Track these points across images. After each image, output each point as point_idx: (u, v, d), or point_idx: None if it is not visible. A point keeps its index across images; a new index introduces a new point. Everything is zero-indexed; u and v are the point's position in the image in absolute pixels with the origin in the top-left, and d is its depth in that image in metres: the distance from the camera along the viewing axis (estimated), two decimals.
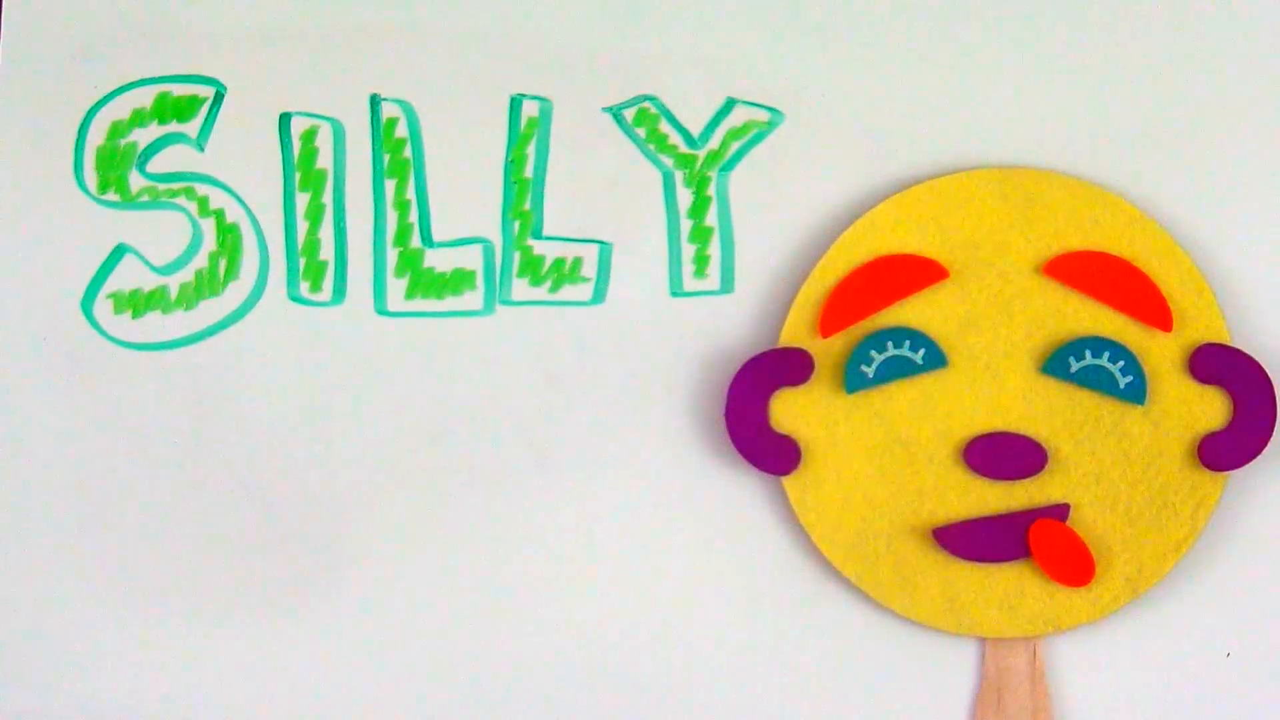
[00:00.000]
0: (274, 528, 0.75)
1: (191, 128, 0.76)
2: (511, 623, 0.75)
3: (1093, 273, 0.73)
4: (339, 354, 0.76)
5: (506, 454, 0.75)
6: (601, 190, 0.75)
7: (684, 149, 0.75)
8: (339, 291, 0.76)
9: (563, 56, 0.76)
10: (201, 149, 0.76)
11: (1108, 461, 0.73)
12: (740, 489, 0.74)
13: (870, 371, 0.73)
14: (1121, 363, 0.73)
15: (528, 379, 0.75)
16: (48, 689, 0.75)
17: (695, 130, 0.76)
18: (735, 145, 0.75)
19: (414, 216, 0.76)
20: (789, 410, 0.73)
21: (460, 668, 0.75)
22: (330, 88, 0.76)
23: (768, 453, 0.73)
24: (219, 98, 0.76)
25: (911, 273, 0.73)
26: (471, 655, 0.75)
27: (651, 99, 0.76)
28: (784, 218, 0.75)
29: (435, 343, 0.75)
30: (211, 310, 0.76)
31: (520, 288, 0.75)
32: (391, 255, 0.76)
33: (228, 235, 0.76)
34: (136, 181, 0.76)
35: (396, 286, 0.76)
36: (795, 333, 0.74)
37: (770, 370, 0.73)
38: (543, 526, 0.75)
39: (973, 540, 0.73)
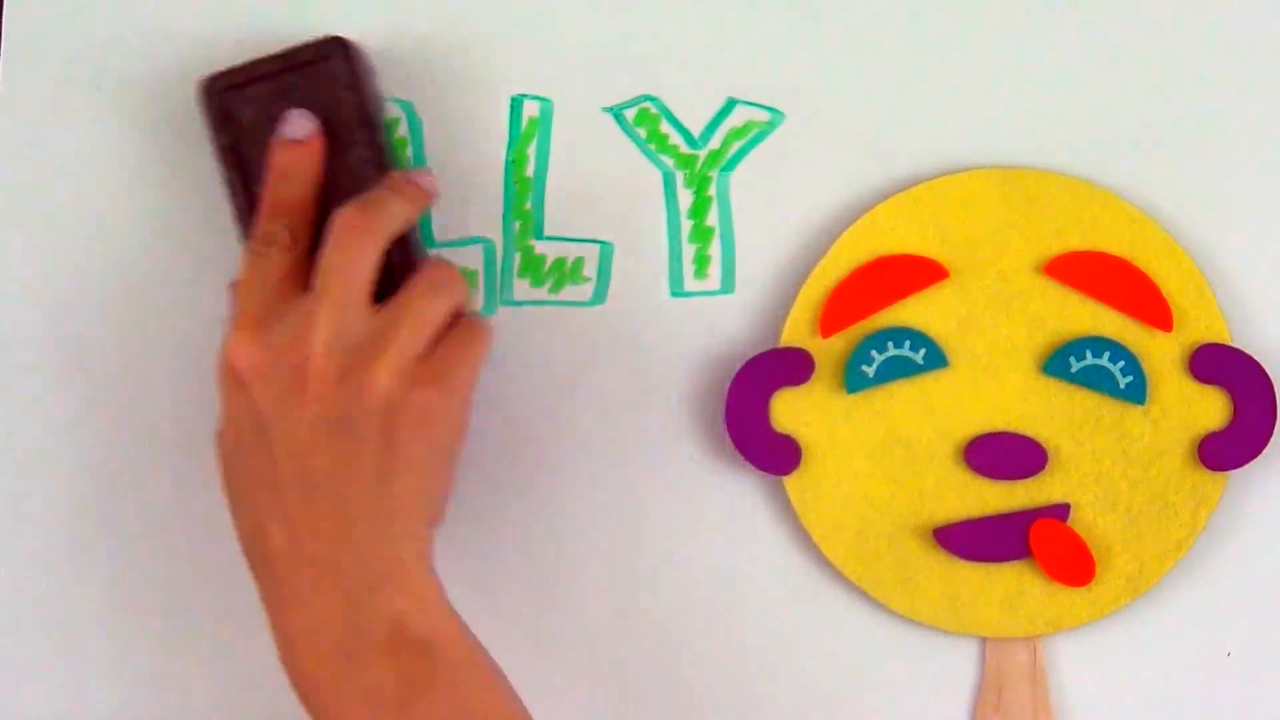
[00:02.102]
0: None
1: None
2: (510, 622, 0.75)
3: (1093, 273, 0.73)
4: None
5: (506, 453, 0.75)
6: (602, 190, 0.75)
7: (684, 149, 0.75)
8: None
9: (563, 56, 0.76)
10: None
11: (1108, 461, 0.73)
12: (740, 489, 0.74)
13: (871, 371, 0.73)
14: (1122, 363, 0.73)
15: (528, 379, 0.75)
16: (47, 689, 0.75)
17: (695, 130, 0.76)
18: (736, 145, 0.75)
19: None
20: (789, 410, 0.73)
21: None
22: None
23: (768, 453, 0.73)
24: None
25: (911, 273, 0.73)
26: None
27: (651, 99, 0.76)
28: (784, 218, 0.75)
29: None
30: None
31: (521, 288, 0.75)
32: None
33: None
34: None
35: None
36: (795, 333, 0.74)
37: (770, 370, 0.73)
38: (542, 526, 0.75)
39: (973, 540, 0.73)
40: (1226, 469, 0.72)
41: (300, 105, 0.70)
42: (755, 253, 0.75)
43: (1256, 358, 0.73)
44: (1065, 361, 0.73)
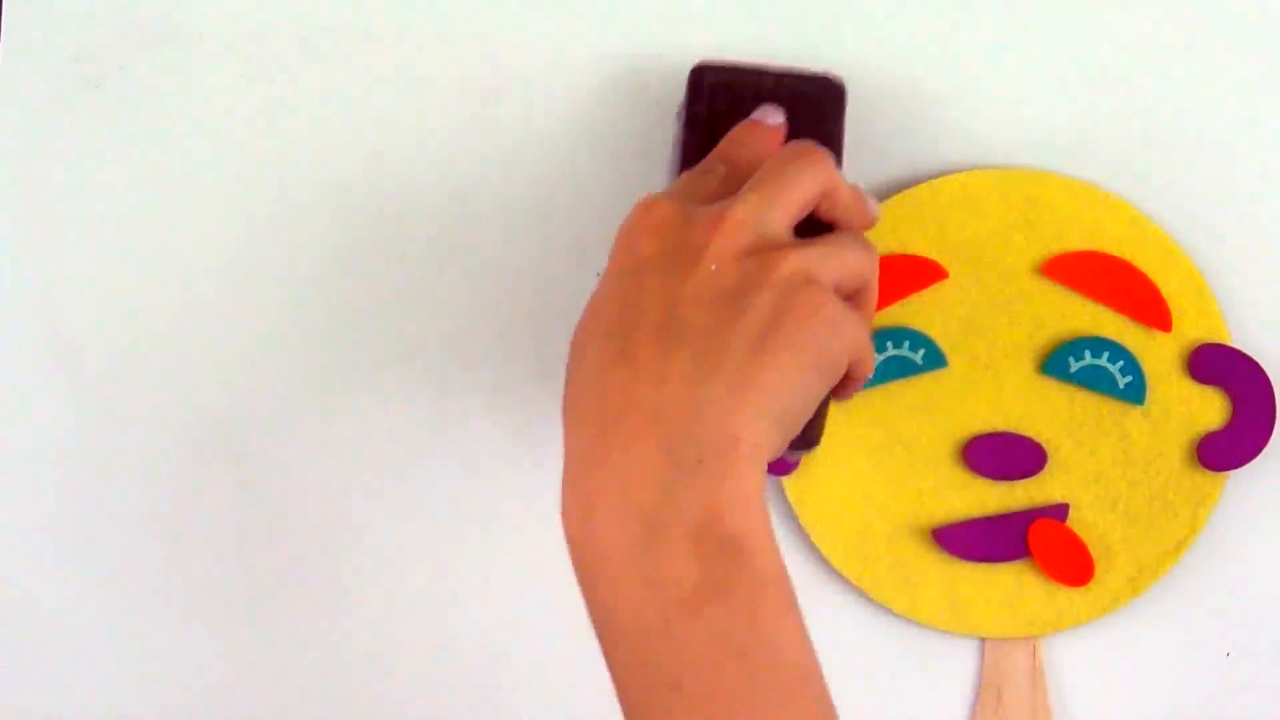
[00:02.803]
0: (273, 528, 0.75)
1: None
2: (510, 623, 0.75)
3: (1092, 273, 0.73)
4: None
5: (507, 449, 0.75)
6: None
7: None
8: None
9: (563, 56, 0.76)
10: None
11: (1107, 461, 0.73)
12: None
13: None
14: (1121, 363, 0.73)
15: (533, 381, 0.75)
16: (47, 689, 0.75)
17: None
18: None
19: None
20: None
21: (459, 667, 0.75)
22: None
23: None
24: None
25: (911, 273, 0.73)
26: (470, 655, 0.75)
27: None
28: None
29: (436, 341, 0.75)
30: None
31: None
32: None
33: None
34: None
35: None
36: None
37: None
38: (542, 528, 0.74)
39: (972, 540, 0.73)
40: (1225, 469, 0.72)
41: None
42: None
43: (1255, 358, 0.73)
44: (1064, 362, 0.73)
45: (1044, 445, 0.73)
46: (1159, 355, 0.73)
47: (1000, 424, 0.73)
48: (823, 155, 0.64)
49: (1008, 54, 0.75)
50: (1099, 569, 0.73)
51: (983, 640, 0.74)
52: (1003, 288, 0.73)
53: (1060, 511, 0.73)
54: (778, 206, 0.61)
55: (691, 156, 0.68)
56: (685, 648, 0.56)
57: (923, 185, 0.74)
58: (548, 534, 0.74)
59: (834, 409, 0.73)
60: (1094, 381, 0.73)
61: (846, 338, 0.60)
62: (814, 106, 0.69)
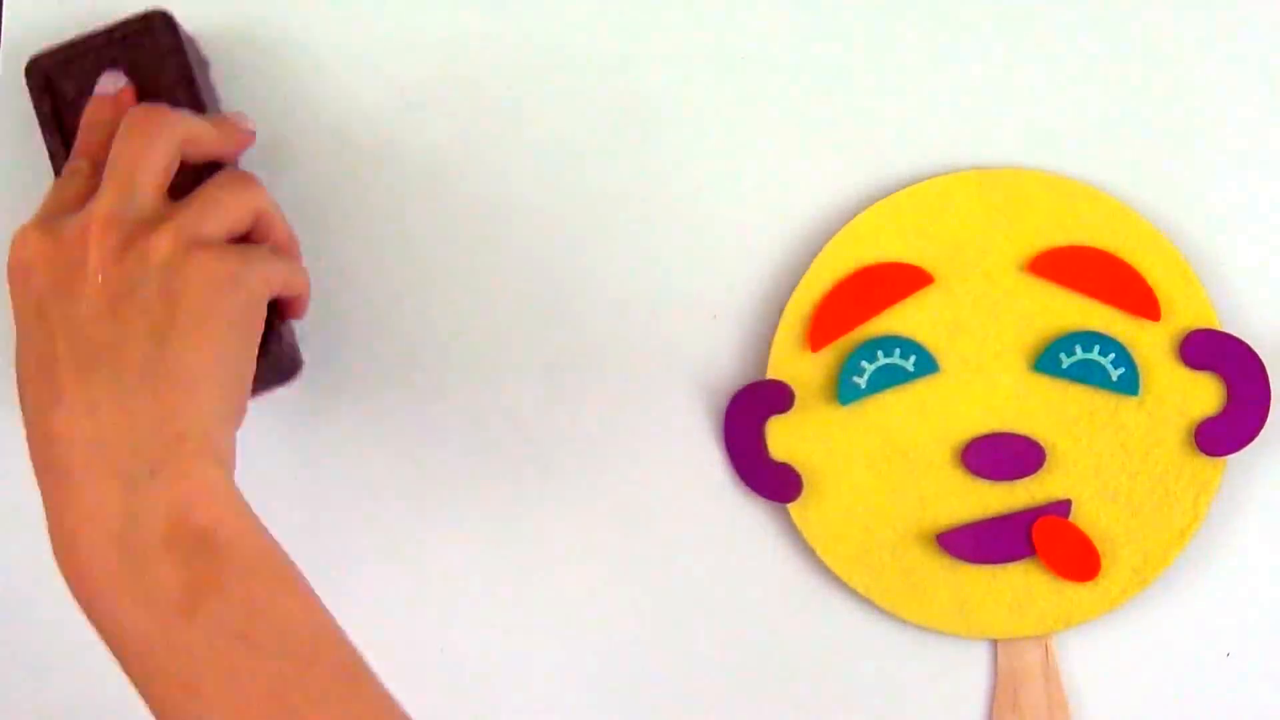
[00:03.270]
0: (272, 526, 0.75)
1: None
2: (511, 627, 0.74)
3: (1077, 267, 0.73)
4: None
5: (506, 458, 0.75)
6: None
7: None
8: None
9: (561, 57, 0.75)
10: None
11: (1106, 454, 0.73)
12: (744, 502, 0.74)
13: (863, 382, 0.73)
14: (1112, 355, 0.73)
15: (540, 384, 0.75)
16: (48, 686, 0.75)
17: None
18: None
19: None
20: (783, 436, 0.73)
21: (456, 672, 0.74)
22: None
23: (769, 482, 0.73)
24: None
25: (896, 280, 0.73)
26: (468, 660, 0.74)
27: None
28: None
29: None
30: None
31: None
32: None
33: None
34: None
35: None
36: (784, 349, 0.73)
37: (756, 401, 0.73)
38: (547, 528, 0.74)
39: (977, 542, 0.73)
40: (1224, 454, 0.72)
41: (123, 71, 0.69)
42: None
43: (1246, 341, 0.72)
44: (1055, 358, 0.73)
45: (1041, 443, 0.73)
46: (1150, 345, 0.73)
47: (996, 425, 0.73)
48: (157, 114, 0.65)
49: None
50: (1105, 563, 0.72)
51: (995, 642, 0.74)
52: (989, 288, 0.73)
53: (1062, 508, 0.73)
54: (137, 186, 0.62)
55: (61, 160, 0.69)
56: (191, 651, 0.57)
57: (901, 192, 0.74)
58: (551, 533, 0.74)
59: (832, 420, 0.73)
60: (1087, 376, 0.73)
61: (251, 282, 0.62)
62: (152, 49, 0.69)
